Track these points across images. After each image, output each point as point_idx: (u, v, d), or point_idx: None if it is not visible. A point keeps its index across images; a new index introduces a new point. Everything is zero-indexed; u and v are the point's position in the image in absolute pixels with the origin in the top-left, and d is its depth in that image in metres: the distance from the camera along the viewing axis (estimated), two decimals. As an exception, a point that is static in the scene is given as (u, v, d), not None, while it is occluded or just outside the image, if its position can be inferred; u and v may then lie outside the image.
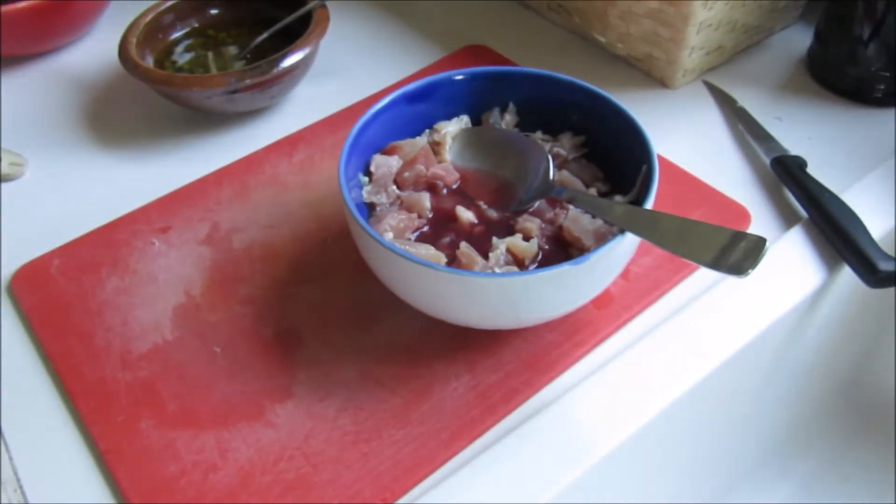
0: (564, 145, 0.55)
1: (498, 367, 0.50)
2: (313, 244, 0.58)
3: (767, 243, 0.36)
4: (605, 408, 0.48)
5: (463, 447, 0.46)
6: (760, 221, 0.59)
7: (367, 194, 0.52)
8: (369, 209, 0.52)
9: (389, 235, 0.49)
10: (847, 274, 0.55)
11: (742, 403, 0.59)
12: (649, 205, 0.46)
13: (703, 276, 0.55)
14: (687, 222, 0.41)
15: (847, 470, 0.72)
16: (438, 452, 0.46)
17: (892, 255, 0.53)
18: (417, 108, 0.55)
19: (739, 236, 0.38)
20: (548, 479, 0.44)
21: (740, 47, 0.74)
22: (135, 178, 0.65)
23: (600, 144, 0.54)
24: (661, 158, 0.63)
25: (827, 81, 0.71)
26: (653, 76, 0.72)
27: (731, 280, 0.54)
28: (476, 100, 0.57)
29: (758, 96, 0.70)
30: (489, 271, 0.46)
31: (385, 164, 0.53)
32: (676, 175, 0.62)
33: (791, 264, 0.55)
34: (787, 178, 0.60)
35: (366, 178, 0.53)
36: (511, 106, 0.57)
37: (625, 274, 0.54)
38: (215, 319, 0.53)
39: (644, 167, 0.49)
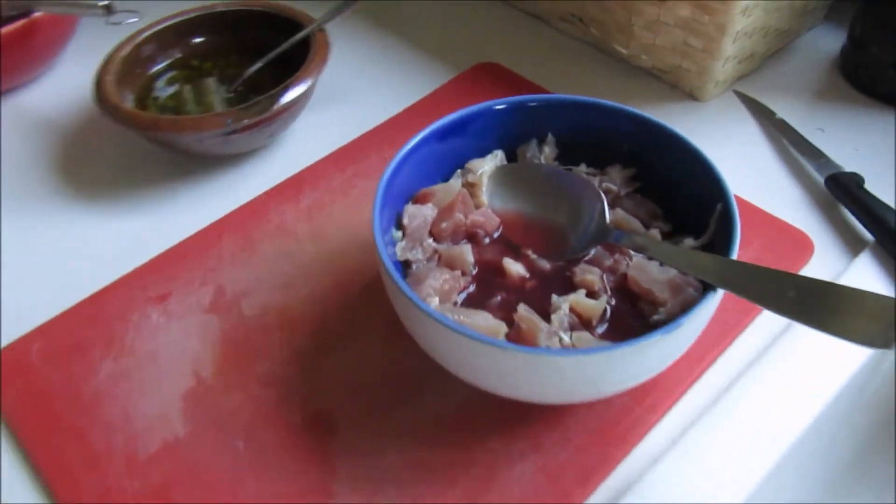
0: (614, 179, 0.49)
1: (565, 442, 0.44)
2: (335, 305, 0.51)
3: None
4: (695, 481, 0.42)
5: (539, 543, 0.40)
6: (824, 248, 0.54)
7: (401, 251, 0.45)
8: (403, 267, 0.46)
9: (435, 301, 0.42)
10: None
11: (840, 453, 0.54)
12: (734, 254, 0.40)
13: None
14: (806, 281, 0.35)
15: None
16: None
17: None
18: (448, 146, 0.49)
19: (874, 301, 0.32)
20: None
21: (769, 52, 0.69)
22: (121, 235, 0.57)
23: (654, 177, 0.49)
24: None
25: (865, 86, 0.66)
26: (680, 88, 0.67)
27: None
28: (509, 131, 0.51)
29: (793, 105, 0.65)
30: (560, 345, 0.40)
31: (419, 215, 0.46)
32: (726, 200, 0.56)
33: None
34: (846, 197, 0.55)
35: (398, 233, 0.46)
36: (550, 137, 0.51)
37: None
38: (233, 405, 0.46)
39: (719, 206, 0.43)
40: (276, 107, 0.56)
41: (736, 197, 0.55)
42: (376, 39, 0.74)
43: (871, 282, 0.51)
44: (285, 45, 0.62)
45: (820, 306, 0.34)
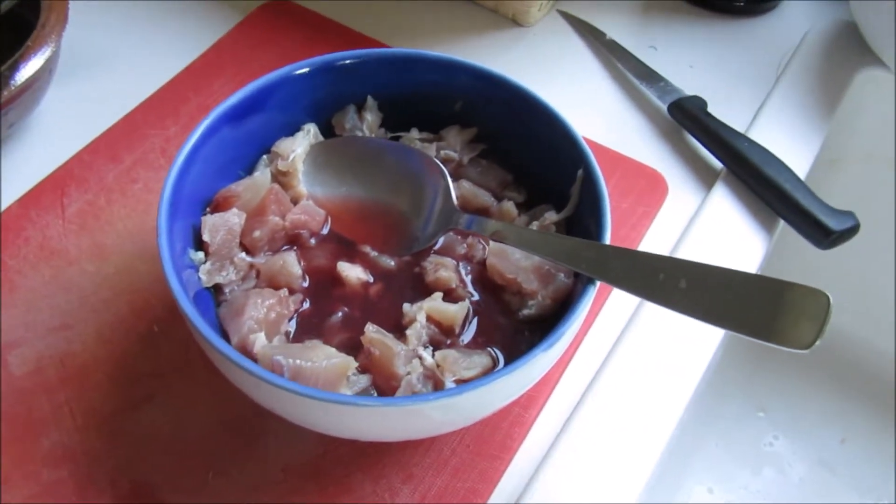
0: (453, 145, 0.41)
1: (441, 465, 0.38)
2: (135, 341, 0.41)
3: (831, 299, 0.26)
4: (587, 471, 0.37)
5: None
6: (677, 184, 0.50)
7: (206, 275, 0.36)
8: (214, 293, 0.36)
9: (260, 339, 0.34)
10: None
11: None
12: (608, 231, 0.34)
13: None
14: (700, 268, 0.30)
15: (760, 400, 0.69)
16: None
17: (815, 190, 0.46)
18: (245, 128, 0.39)
19: (789, 290, 0.27)
20: None
21: (590, -36, 0.63)
22: None
23: (499, 137, 0.42)
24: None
25: (689, -7, 0.62)
26: (501, 13, 0.59)
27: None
28: (320, 98, 0.41)
29: (621, 22, 0.60)
30: (422, 368, 0.33)
31: (223, 226, 0.36)
32: (572, 143, 0.51)
33: (729, 232, 0.47)
34: (691, 125, 0.52)
35: (199, 254, 0.36)
36: (370, 101, 0.42)
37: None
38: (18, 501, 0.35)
39: (580, 172, 0.37)
40: (12, 86, 0.43)
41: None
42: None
43: (728, 213, 0.48)
44: (4, 5, 0.47)
45: (714, 297, 0.29)
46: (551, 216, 0.38)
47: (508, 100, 0.39)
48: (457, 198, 0.39)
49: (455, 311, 0.35)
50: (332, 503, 0.36)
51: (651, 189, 0.49)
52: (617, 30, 0.59)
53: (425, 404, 0.29)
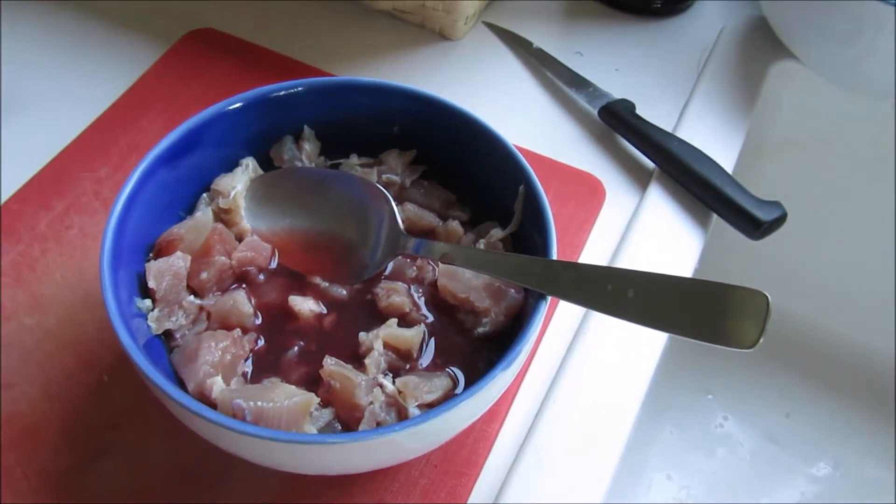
0: (394, 168, 0.42)
1: (410, 488, 0.38)
2: (85, 392, 0.40)
3: (769, 298, 0.28)
4: (553, 479, 0.38)
5: None
6: (614, 187, 0.51)
7: (155, 323, 0.35)
8: (165, 340, 0.36)
9: (218, 383, 0.33)
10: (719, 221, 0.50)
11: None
12: (554, 244, 0.35)
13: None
14: (646, 277, 0.31)
15: (706, 383, 0.72)
16: None
17: (745, 183, 0.49)
18: (183, 168, 0.38)
19: (730, 293, 0.29)
20: None
21: (510, -26, 0.64)
22: None
23: (439, 157, 0.42)
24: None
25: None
26: (428, 28, 0.60)
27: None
28: (256, 130, 0.41)
29: (547, 30, 0.61)
30: (383, 395, 0.33)
31: (168, 272, 0.36)
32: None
33: (667, 230, 0.49)
34: (623, 128, 0.53)
35: (146, 301, 0.36)
36: (307, 130, 0.42)
37: (505, 303, 0.44)
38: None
39: (521, 188, 0.38)
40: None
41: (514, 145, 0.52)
42: (52, 21, 0.58)
43: (664, 212, 0.50)
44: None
45: (661, 305, 0.30)
46: (497, 233, 0.39)
47: (444, 120, 0.40)
48: (402, 221, 0.40)
49: (412, 336, 0.36)
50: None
51: (589, 194, 0.50)
52: (543, 38, 0.60)
53: (393, 435, 0.29)
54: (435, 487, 0.38)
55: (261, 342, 0.36)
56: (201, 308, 0.37)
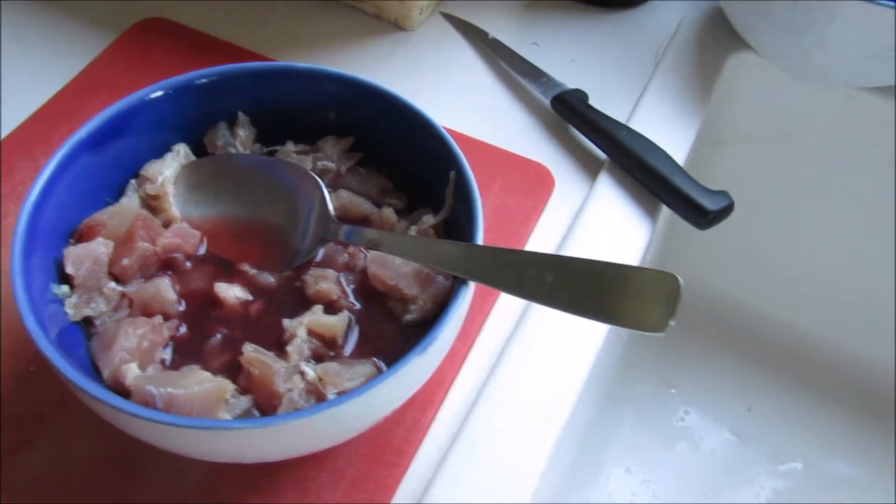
0: (330, 155, 0.41)
1: (337, 478, 0.37)
2: (12, 382, 0.39)
3: (681, 281, 0.27)
4: (485, 472, 0.38)
5: None
6: (563, 177, 0.51)
7: (73, 310, 0.35)
8: (84, 327, 0.35)
9: (133, 369, 0.33)
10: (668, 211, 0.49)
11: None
12: (480, 229, 0.35)
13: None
14: (564, 261, 0.30)
15: (670, 378, 0.71)
16: None
17: (694, 174, 0.48)
18: (110, 153, 0.38)
19: (640, 276, 0.28)
20: None
21: (468, -36, 0.63)
22: None
23: (376, 144, 0.42)
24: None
25: (567, -12, 0.63)
26: (383, 18, 0.59)
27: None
28: (189, 117, 0.40)
29: (504, 21, 0.61)
30: (303, 382, 0.33)
31: (87, 257, 0.35)
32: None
33: (615, 220, 0.48)
34: (574, 117, 0.53)
35: (64, 287, 0.35)
36: (241, 117, 0.41)
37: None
38: None
39: (452, 174, 0.37)
40: None
41: (458, 135, 0.51)
42: (-1, 5, 0.57)
43: (612, 201, 0.49)
44: None
45: (576, 289, 0.29)
46: (428, 220, 0.38)
47: (378, 105, 0.39)
48: (336, 208, 0.39)
49: (335, 323, 0.35)
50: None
51: (538, 183, 0.50)
52: (500, 29, 0.60)
53: (301, 420, 0.29)
54: (363, 477, 0.37)
55: (182, 329, 0.36)
56: (123, 295, 0.36)
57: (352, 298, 0.37)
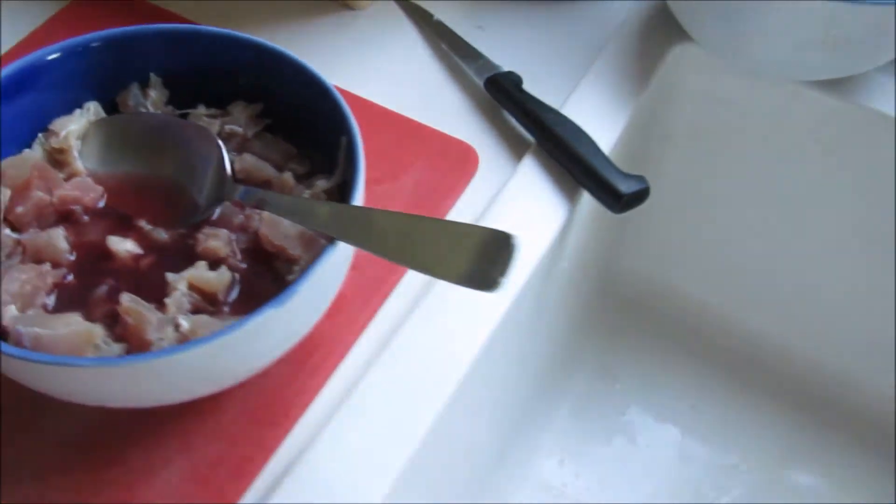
0: (238, 119, 0.42)
1: (219, 434, 0.38)
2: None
3: (516, 240, 0.28)
4: (364, 449, 0.38)
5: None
6: (489, 157, 0.51)
7: (-35, 253, 0.36)
8: (-24, 271, 0.36)
9: (11, 311, 0.34)
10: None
11: (514, 359, 0.54)
12: (359, 192, 0.35)
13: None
14: (411, 220, 0.31)
15: (615, 372, 0.71)
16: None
17: (622, 164, 0.48)
18: (18, 107, 0.39)
19: (477, 234, 0.29)
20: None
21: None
22: None
23: (284, 111, 0.42)
24: (360, 100, 0.53)
25: (521, -23, 0.64)
26: (334, -2, 0.60)
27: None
28: (104, 76, 0.42)
29: (454, 5, 0.61)
30: (176, 333, 0.34)
31: (-18, 203, 0.36)
32: (382, 117, 0.52)
33: (533, 202, 0.49)
34: (505, 99, 0.53)
35: (-42, 231, 0.36)
36: (154, 78, 0.42)
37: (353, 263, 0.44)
38: None
39: (343, 139, 0.38)
40: None
41: (392, 114, 0.52)
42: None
43: (534, 183, 0.50)
44: None
45: (421, 247, 0.30)
46: (322, 185, 0.39)
47: (280, 70, 0.40)
48: (239, 171, 0.40)
49: (216, 278, 0.36)
50: (103, 474, 0.36)
51: (462, 162, 0.50)
52: (447, 12, 0.60)
53: (147, 362, 0.29)
54: (244, 435, 0.38)
55: (70, 278, 0.37)
56: (18, 242, 0.37)
57: (239, 258, 0.38)
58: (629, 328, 0.73)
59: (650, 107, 0.59)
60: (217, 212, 0.39)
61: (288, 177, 0.40)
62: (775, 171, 0.63)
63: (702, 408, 0.70)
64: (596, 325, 0.71)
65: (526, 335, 0.55)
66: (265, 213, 0.38)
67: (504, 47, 0.58)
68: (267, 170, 0.41)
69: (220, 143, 0.39)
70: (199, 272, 0.36)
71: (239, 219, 0.39)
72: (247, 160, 0.41)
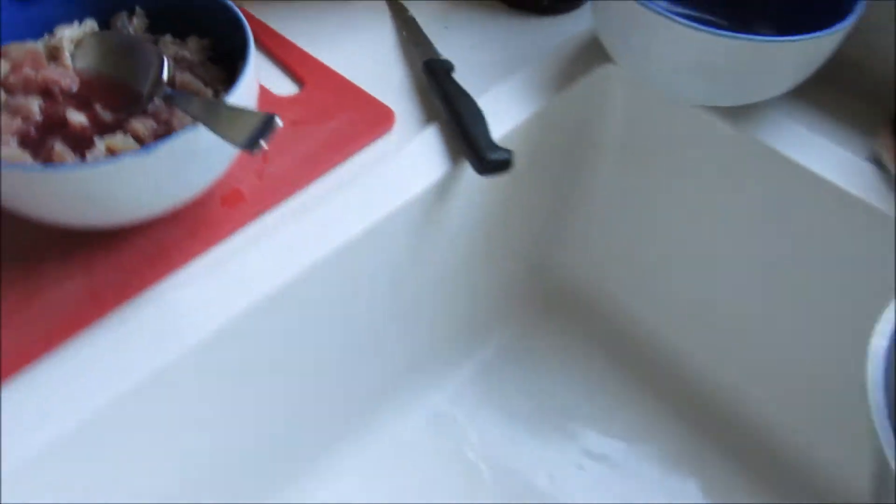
0: (190, 48, 0.55)
1: (119, 267, 0.51)
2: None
3: (277, 120, 0.39)
4: (209, 299, 0.50)
5: (65, 339, 0.47)
6: (404, 122, 0.62)
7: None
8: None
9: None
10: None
11: (386, 297, 0.63)
12: (236, 96, 0.47)
13: (345, 173, 0.58)
14: (229, 108, 0.43)
15: (531, 344, 0.78)
16: (35, 346, 0.46)
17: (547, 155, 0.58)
18: (31, 14, 0.54)
19: (256, 116, 0.40)
20: (139, 363, 0.46)
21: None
22: None
23: (227, 48, 0.55)
24: (323, 67, 0.65)
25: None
26: (335, -11, 0.73)
27: (368, 177, 0.58)
28: (106, 3, 0.56)
29: (431, 8, 0.73)
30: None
31: (-14, 69, 0.51)
32: (329, 78, 0.64)
33: (419, 158, 0.59)
34: (433, 80, 0.64)
35: (-39, 83, 0.51)
36: (138, 9, 0.57)
37: (259, 173, 0.56)
38: None
39: (241, 62, 0.50)
40: None
41: (344, 80, 0.64)
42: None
43: (429, 147, 0.60)
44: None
45: (223, 120, 0.42)
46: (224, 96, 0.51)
47: (223, 16, 0.53)
48: (179, 83, 0.53)
49: (122, 142, 0.49)
50: (24, 281, 0.49)
51: (380, 121, 0.61)
52: (424, 11, 0.72)
53: (47, 173, 0.42)
54: (136, 271, 0.50)
55: (32, 132, 0.50)
56: (7, 102, 0.51)
57: (153, 139, 0.50)
58: (553, 321, 0.80)
59: (580, 115, 0.67)
60: (153, 107, 0.52)
61: (207, 91, 0.53)
62: (689, 190, 0.70)
63: (601, 406, 0.76)
64: (516, 309, 0.79)
65: (408, 281, 0.64)
66: (180, 112, 0.51)
67: (457, 44, 0.69)
68: (196, 84, 0.53)
69: (165, 58, 0.53)
70: (115, 139, 0.49)
71: (164, 115, 0.52)
72: (186, 76, 0.54)
